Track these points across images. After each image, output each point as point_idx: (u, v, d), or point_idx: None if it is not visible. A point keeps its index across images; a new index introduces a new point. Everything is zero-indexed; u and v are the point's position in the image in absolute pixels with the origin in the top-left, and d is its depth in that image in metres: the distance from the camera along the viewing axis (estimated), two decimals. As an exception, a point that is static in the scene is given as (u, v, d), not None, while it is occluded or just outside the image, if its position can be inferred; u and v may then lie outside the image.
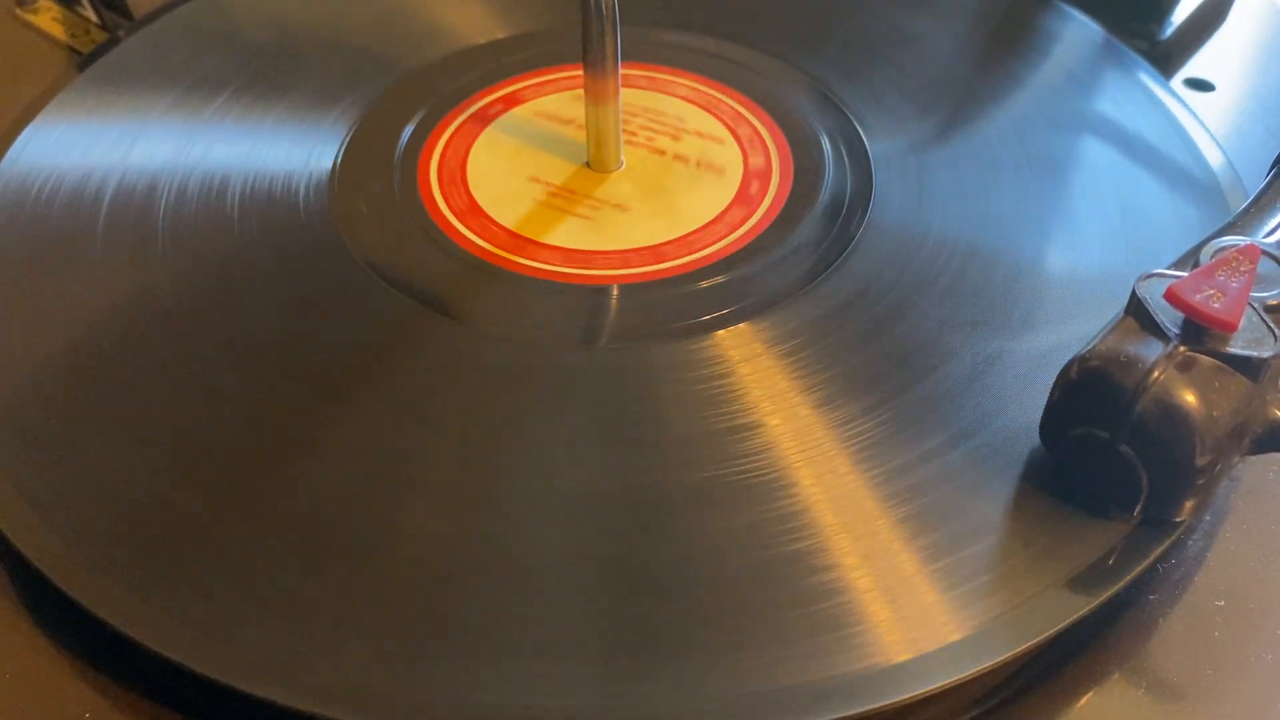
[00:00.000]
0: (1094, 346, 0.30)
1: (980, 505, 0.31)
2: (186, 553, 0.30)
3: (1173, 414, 0.28)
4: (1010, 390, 0.34)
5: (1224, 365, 0.29)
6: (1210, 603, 0.32)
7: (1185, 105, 0.44)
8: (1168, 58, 0.50)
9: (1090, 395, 0.30)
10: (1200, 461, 0.29)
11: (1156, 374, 0.29)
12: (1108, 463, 0.30)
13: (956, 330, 0.35)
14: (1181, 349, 0.29)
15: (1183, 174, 0.41)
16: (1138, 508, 0.30)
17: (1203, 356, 0.29)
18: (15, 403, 0.34)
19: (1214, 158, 0.41)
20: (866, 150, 0.42)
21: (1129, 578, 0.30)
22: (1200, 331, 0.29)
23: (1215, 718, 0.30)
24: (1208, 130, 0.43)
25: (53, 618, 0.31)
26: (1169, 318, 0.30)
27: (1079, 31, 0.48)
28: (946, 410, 0.33)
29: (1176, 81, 0.48)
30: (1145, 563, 0.30)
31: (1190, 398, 0.28)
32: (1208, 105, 0.47)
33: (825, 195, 0.40)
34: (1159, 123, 0.43)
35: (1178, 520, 0.30)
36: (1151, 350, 0.29)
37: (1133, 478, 0.30)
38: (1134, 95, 0.45)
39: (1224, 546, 0.33)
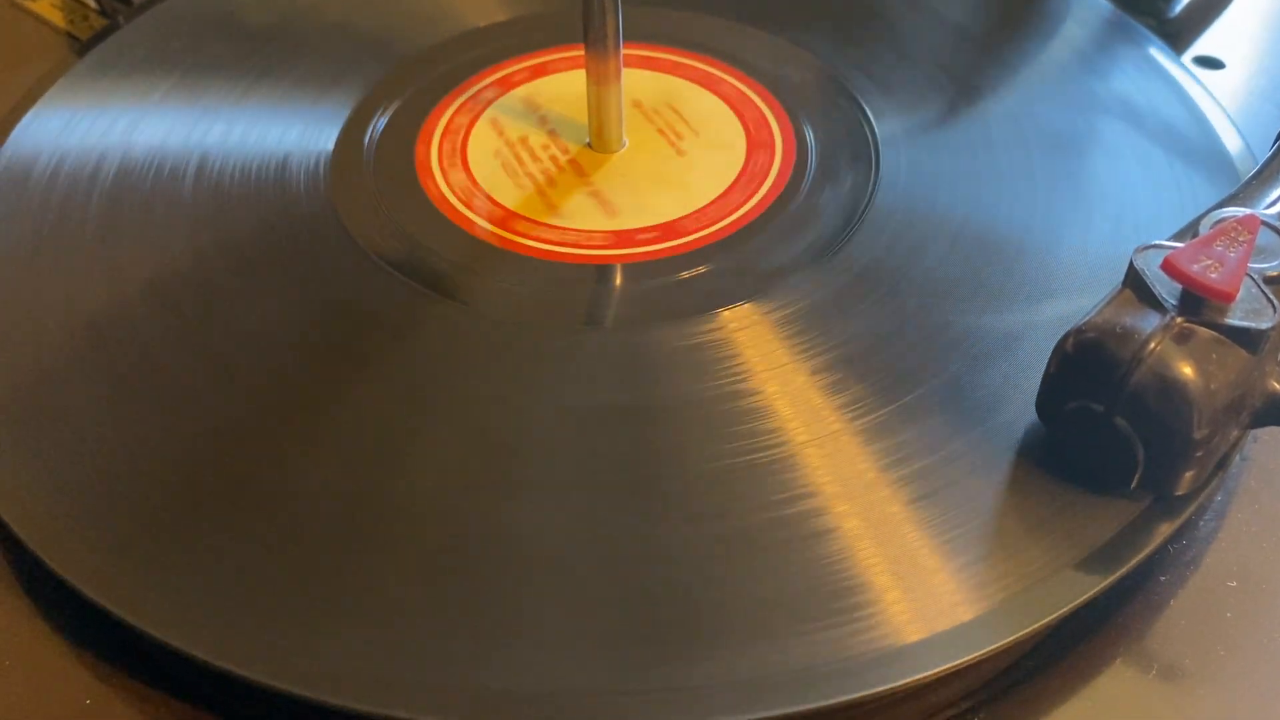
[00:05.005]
0: (1090, 318, 0.29)
1: (990, 484, 0.31)
2: (189, 539, 0.30)
3: (1169, 386, 0.28)
4: (1018, 369, 0.33)
5: (1222, 337, 0.29)
6: (1222, 584, 0.32)
7: (1197, 80, 0.43)
8: (1177, 35, 0.49)
9: (1086, 368, 0.29)
10: (1197, 434, 0.28)
11: (1153, 345, 0.28)
12: (1104, 437, 0.29)
13: (964, 310, 0.35)
14: (1179, 320, 0.29)
15: (1194, 151, 0.41)
16: (1133, 482, 0.30)
17: (1200, 328, 0.29)
18: (16, 389, 0.34)
19: (1226, 134, 0.41)
20: (873, 129, 0.41)
21: (1139, 558, 0.29)
22: (1198, 303, 0.29)
23: (1227, 699, 0.30)
24: (1221, 106, 0.42)
25: (53, 604, 0.31)
26: (1167, 289, 0.29)
27: (1088, 8, 0.47)
28: (954, 389, 0.33)
29: (1187, 59, 0.48)
30: (1156, 543, 0.30)
31: (1187, 369, 0.28)
32: (1218, 83, 0.47)
33: (830, 175, 0.40)
34: (1170, 99, 0.43)
35: (1177, 494, 0.30)
36: (1148, 322, 0.29)
37: (1129, 452, 0.29)
38: (1144, 72, 0.44)
39: (1235, 527, 0.33)
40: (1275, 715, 0.29)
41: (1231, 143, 0.41)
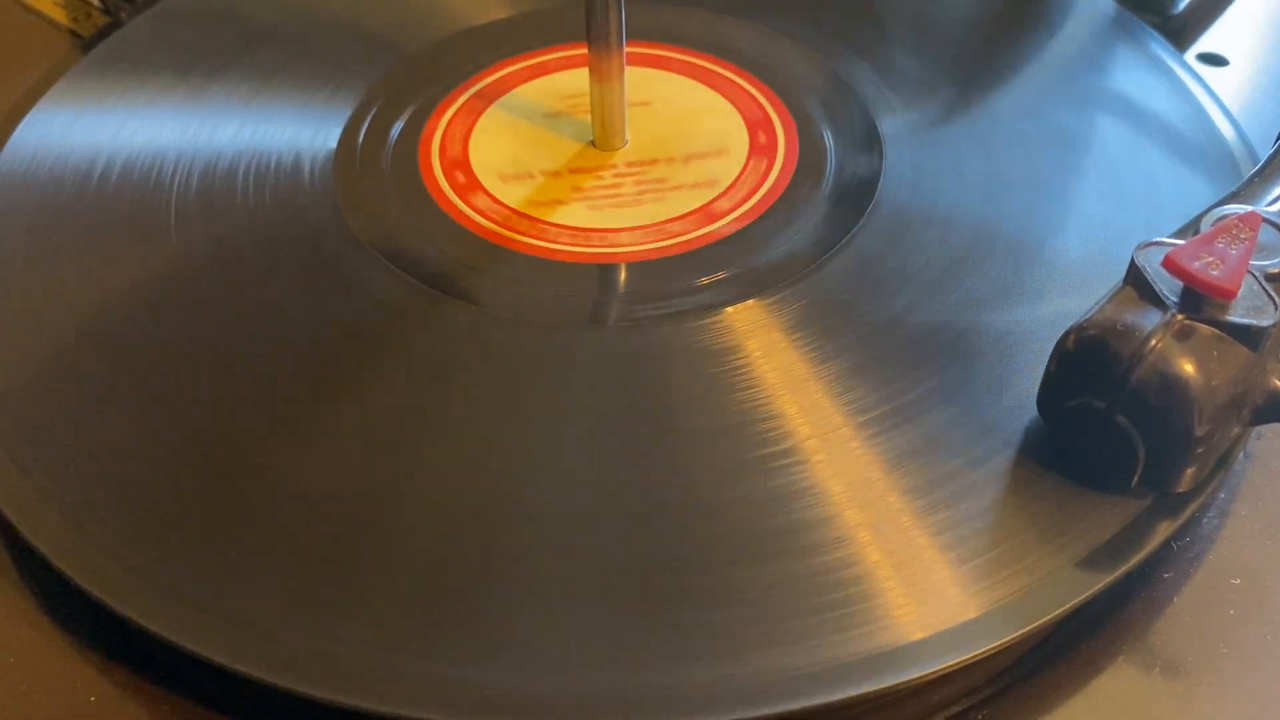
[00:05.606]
0: (1091, 316, 0.29)
1: (993, 483, 0.31)
2: (191, 535, 0.30)
3: (1170, 383, 0.28)
4: (1021, 367, 0.33)
5: (1223, 334, 0.29)
6: (1225, 581, 0.32)
7: (1199, 79, 0.43)
8: (1180, 32, 0.49)
9: (1087, 365, 0.29)
10: (1198, 432, 0.28)
11: (1154, 343, 0.28)
12: (1105, 434, 0.29)
13: (966, 308, 0.35)
14: (1180, 317, 0.29)
15: (1197, 149, 0.41)
16: (1135, 479, 0.30)
17: (1201, 325, 0.29)
18: (20, 386, 0.34)
19: (1229, 133, 0.41)
20: (877, 126, 0.41)
21: (1142, 556, 0.29)
22: (1199, 300, 0.29)
23: (1231, 696, 0.30)
24: (1222, 105, 0.42)
25: (56, 601, 0.31)
26: (1168, 286, 0.29)
27: (1091, 5, 0.47)
28: (956, 387, 0.33)
29: (1190, 56, 0.48)
30: (1157, 541, 0.30)
31: (1188, 367, 0.28)
32: (1221, 80, 0.46)
33: (834, 172, 0.40)
34: (1173, 97, 0.43)
35: (1178, 491, 0.30)
36: (1149, 319, 0.29)
37: (1130, 449, 0.29)
38: (1147, 69, 0.44)
39: (1239, 524, 0.33)
40: (1279, 713, 0.29)
41: (1233, 140, 0.41)
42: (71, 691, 0.29)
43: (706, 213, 0.39)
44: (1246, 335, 0.28)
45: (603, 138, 0.41)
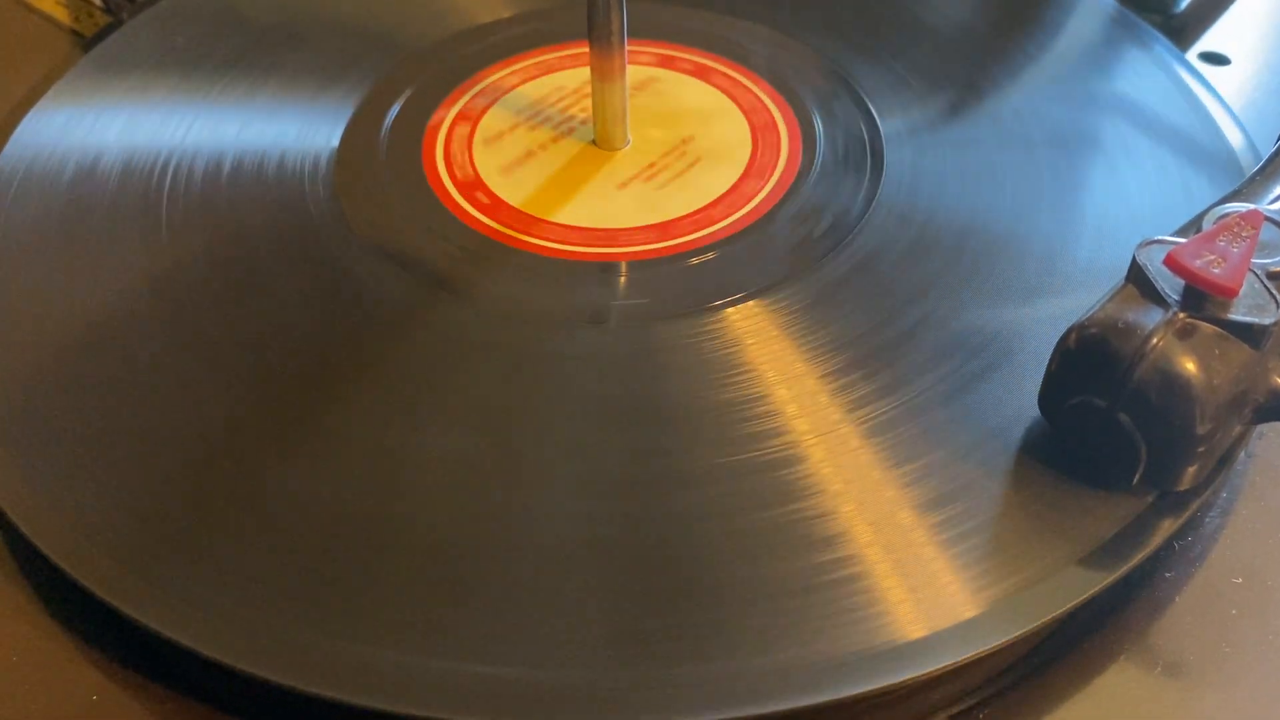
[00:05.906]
0: (1092, 314, 0.29)
1: (993, 482, 0.31)
2: (194, 535, 0.30)
3: (1172, 381, 0.28)
4: (1022, 365, 0.33)
5: (1225, 332, 0.29)
6: (1227, 580, 0.32)
7: (1201, 79, 0.43)
8: (1182, 31, 0.49)
9: (1088, 363, 0.29)
10: (1200, 430, 0.28)
11: (1155, 341, 0.28)
12: (1107, 433, 0.29)
13: (968, 306, 0.35)
14: (1181, 316, 0.29)
15: (1198, 148, 0.41)
16: (1136, 478, 0.30)
17: (1203, 323, 0.29)
18: (22, 387, 0.34)
19: (1230, 132, 0.41)
20: (878, 126, 0.41)
21: (1143, 555, 0.29)
22: (1201, 298, 0.29)
23: (1232, 696, 0.30)
24: (1224, 104, 0.42)
25: (59, 601, 0.31)
26: (1169, 284, 0.29)
27: (1093, 5, 0.47)
28: (958, 386, 0.33)
29: (1191, 55, 0.48)
30: (1159, 540, 0.30)
31: (1190, 365, 0.28)
32: (1223, 79, 0.46)
33: (835, 172, 0.40)
34: (1175, 95, 0.43)
35: (1179, 490, 0.30)
36: (1151, 317, 0.29)
37: (1131, 448, 0.29)
38: (1149, 69, 0.44)
39: (1240, 523, 0.33)
40: (1280, 712, 0.29)
41: (1236, 139, 0.41)
42: (73, 691, 0.29)
43: (707, 212, 0.39)
44: (1248, 333, 0.28)
45: (604, 137, 0.41)
